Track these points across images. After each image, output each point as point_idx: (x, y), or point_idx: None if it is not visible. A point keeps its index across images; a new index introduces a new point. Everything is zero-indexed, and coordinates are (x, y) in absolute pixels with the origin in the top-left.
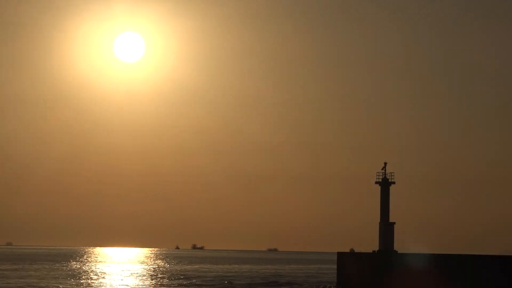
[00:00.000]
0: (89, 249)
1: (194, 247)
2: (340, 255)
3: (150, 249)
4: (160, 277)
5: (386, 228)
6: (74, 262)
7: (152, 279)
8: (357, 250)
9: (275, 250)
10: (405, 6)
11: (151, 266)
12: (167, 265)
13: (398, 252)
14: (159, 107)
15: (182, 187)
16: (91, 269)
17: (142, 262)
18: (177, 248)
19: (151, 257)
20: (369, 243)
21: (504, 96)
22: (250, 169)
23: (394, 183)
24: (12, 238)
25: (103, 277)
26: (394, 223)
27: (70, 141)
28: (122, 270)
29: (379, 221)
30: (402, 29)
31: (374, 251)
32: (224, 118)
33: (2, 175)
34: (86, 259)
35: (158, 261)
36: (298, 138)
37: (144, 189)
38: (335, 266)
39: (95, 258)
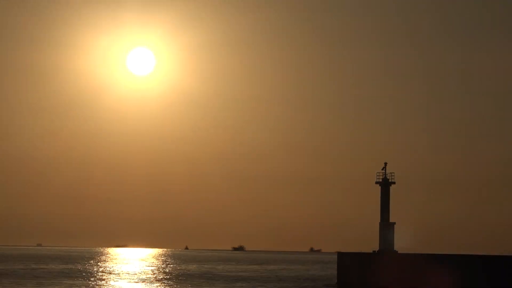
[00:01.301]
0: (113, 250)
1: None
2: (340, 255)
3: (161, 249)
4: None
5: (386, 228)
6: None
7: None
8: (357, 250)
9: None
10: (406, 5)
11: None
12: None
13: (398, 252)
14: (168, 115)
15: (189, 192)
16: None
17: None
18: (186, 248)
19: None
20: (369, 243)
21: (505, 96)
22: (252, 171)
23: (394, 183)
24: (41, 239)
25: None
26: (394, 223)
27: (87, 147)
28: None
29: (379, 221)
30: (402, 29)
31: (374, 251)
32: (231, 126)
33: (25, 178)
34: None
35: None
36: (298, 139)
37: (153, 193)
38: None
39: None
